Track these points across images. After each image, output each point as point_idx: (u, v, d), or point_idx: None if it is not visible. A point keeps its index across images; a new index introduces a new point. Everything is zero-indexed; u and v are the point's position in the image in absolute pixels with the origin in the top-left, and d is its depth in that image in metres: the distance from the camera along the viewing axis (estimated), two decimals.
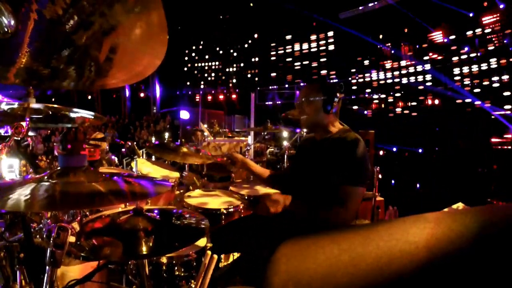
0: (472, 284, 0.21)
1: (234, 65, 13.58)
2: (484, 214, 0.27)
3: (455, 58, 7.91)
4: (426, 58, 8.49)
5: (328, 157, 1.43)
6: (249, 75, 13.16)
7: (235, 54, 13.53)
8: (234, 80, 13.49)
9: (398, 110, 8.95)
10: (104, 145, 3.01)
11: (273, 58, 12.40)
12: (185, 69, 14.64)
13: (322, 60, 11.12)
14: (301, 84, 10.99)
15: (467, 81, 7.68)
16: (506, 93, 6.96)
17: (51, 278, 0.68)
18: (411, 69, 8.86)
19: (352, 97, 9.84)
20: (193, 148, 2.02)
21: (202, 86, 13.95)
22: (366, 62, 9.81)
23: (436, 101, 8.10)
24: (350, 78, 10.09)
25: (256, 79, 12.79)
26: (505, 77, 6.75)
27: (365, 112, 9.87)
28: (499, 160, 6.54)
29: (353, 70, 10.18)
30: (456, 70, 7.92)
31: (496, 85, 7.15)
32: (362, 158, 1.36)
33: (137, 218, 0.96)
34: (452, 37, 7.91)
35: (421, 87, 8.60)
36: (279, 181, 1.82)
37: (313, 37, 11.28)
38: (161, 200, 2.09)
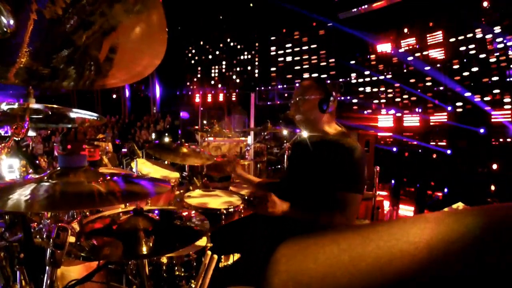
0: (472, 285, 0.21)
1: (234, 65, 13.59)
2: (484, 214, 0.27)
3: (455, 58, 7.92)
4: (426, 58, 8.50)
5: (324, 160, 1.40)
6: (249, 75, 13.17)
7: (235, 54, 13.53)
8: (234, 80, 13.49)
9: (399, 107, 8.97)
10: (103, 145, 3.00)
11: (272, 58, 12.40)
12: (185, 69, 14.64)
13: (322, 60, 11.13)
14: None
15: (467, 81, 7.68)
16: (506, 93, 6.97)
17: (51, 278, 0.68)
18: (411, 69, 8.87)
19: (355, 97, 9.86)
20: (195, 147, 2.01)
21: (202, 86, 13.95)
22: (366, 62, 9.81)
23: (436, 101, 8.09)
24: (349, 78, 10.10)
25: (256, 78, 12.79)
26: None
27: (365, 112, 9.87)
28: (499, 160, 6.54)
29: (353, 70, 10.19)
30: (456, 70, 7.92)
31: (495, 84, 7.17)
32: (360, 165, 1.33)
33: (137, 218, 0.96)
34: (452, 37, 7.92)
35: (421, 86, 8.62)
36: (270, 188, 1.77)
37: (313, 36, 11.29)
38: (161, 200, 2.09)
